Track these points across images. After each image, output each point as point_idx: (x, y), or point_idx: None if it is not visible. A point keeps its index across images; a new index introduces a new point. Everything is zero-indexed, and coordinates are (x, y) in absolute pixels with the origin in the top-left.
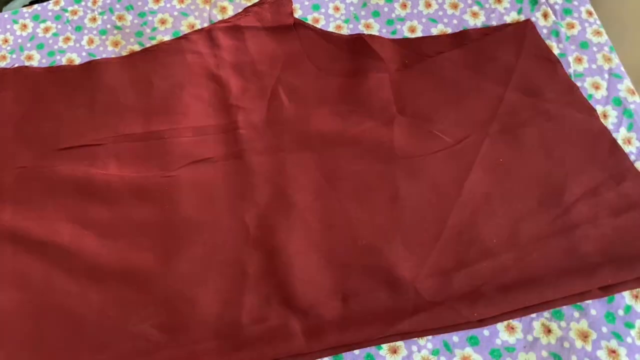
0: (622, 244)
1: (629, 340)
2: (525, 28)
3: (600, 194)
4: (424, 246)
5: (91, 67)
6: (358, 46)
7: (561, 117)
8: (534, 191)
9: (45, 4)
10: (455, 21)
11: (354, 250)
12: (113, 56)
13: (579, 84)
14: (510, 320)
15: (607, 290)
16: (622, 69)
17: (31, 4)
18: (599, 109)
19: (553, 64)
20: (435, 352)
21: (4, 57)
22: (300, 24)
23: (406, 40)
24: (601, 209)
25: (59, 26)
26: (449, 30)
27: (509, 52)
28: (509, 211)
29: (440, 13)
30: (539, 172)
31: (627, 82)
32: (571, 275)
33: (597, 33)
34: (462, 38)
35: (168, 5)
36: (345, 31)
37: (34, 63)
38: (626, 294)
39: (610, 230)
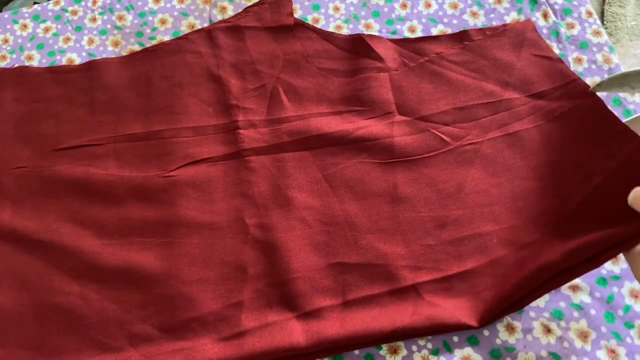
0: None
1: (628, 340)
2: (525, 28)
3: (602, 194)
4: (424, 246)
5: (91, 67)
6: (358, 46)
7: (561, 116)
8: (535, 191)
9: (45, 4)
10: (455, 21)
11: (354, 250)
12: (113, 56)
13: None
14: (510, 320)
15: (595, 259)
16: (622, 69)
17: None
18: None
19: (554, 63)
20: (435, 352)
21: (4, 57)
22: (300, 24)
23: (406, 40)
24: (602, 209)
25: (59, 26)
26: (449, 30)
27: (509, 52)
28: (509, 211)
29: (440, 13)
30: (539, 172)
31: None
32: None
33: (597, 33)
34: (462, 38)
35: (168, 5)
36: (345, 31)
37: (34, 63)
38: (626, 294)
39: (613, 230)
